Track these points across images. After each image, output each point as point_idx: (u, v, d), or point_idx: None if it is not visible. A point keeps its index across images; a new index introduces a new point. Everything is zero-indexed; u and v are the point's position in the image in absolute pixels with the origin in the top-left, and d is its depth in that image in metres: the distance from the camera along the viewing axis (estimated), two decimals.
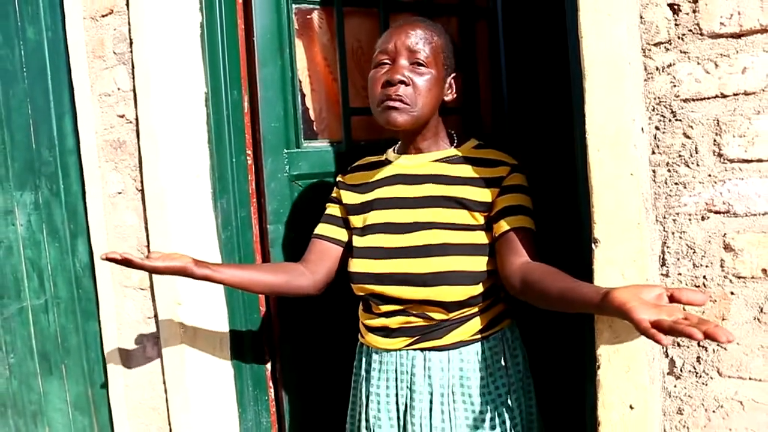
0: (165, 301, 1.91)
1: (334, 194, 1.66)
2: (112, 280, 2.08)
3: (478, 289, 1.41)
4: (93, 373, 2.30)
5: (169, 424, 1.97)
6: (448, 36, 1.51)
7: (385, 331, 1.48)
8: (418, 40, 1.42)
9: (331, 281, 1.64)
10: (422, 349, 1.44)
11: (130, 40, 1.86)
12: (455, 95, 1.52)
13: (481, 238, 1.42)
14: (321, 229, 1.64)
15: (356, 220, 1.57)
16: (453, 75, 1.51)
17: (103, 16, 1.96)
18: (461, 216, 1.42)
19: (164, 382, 1.97)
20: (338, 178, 1.67)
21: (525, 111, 2.43)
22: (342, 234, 1.61)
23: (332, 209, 1.64)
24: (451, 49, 1.50)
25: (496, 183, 1.43)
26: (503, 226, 1.39)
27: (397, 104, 1.41)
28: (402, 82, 1.41)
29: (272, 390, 2.03)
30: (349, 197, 1.59)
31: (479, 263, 1.41)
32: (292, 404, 2.00)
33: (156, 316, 1.95)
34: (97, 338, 2.23)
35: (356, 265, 1.49)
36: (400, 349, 1.46)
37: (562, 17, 1.32)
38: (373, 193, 1.55)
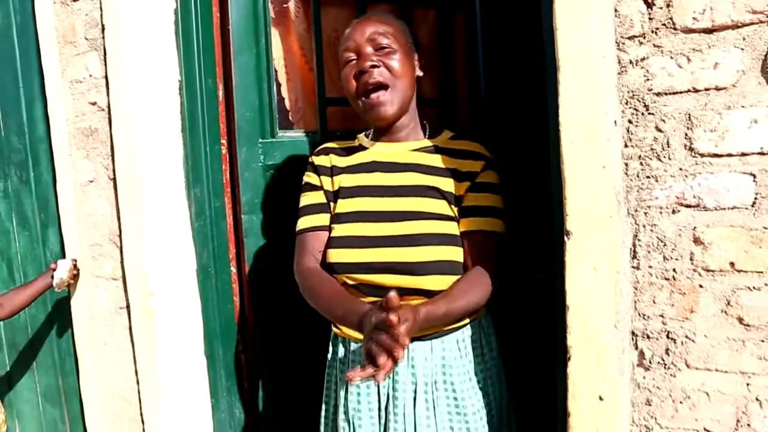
0: (137, 292, 1.89)
1: (311, 179, 1.59)
2: (83, 269, 2.05)
3: (457, 278, 1.41)
4: (64, 364, 2.27)
5: (141, 415, 1.95)
6: (403, 22, 1.54)
7: None
8: (376, 28, 1.45)
9: None
10: None
11: (102, 25, 1.83)
12: (424, 72, 1.54)
13: (457, 228, 1.44)
14: (319, 220, 1.56)
15: (333, 206, 1.55)
16: (415, 53, 1.53)
17: (74, 0, 1.92)
18: (441, 206, 1.43)
19: (136, 373, 1.95)
20: (314, 160, 1.60)
21: (501, 102, 2.42)
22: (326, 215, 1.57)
23: (317, 197, 1.57)
24: (409, 31, 1.53)
25: (469, 177, 1.44)
26: (468, 225, 1.42)
27: (380, 96, 1.42)
28: (373, 66, 1.42)
29: (246, 380, 2.02)
30: (327, 182, 1.57)
31: (458, 253, 1.43)
32: (266, 394, 1.99)
33: (128, 306, 1.93)
34: (68, 329, 2.20)
35: (340, 255, 1.46)
36: None
37: (540, 9, 1.32)
38: (350, 178, 1.53)
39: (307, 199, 1.57)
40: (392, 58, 1.44)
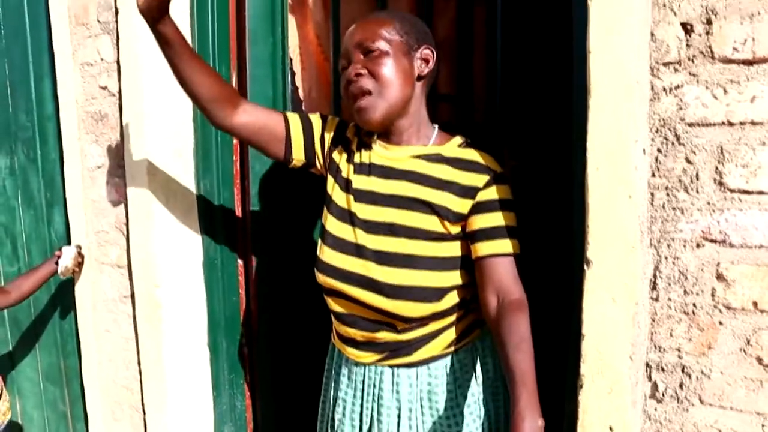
0: (142, 282, 1.87)
1: (325, 121, 1.54)
2: (88, 255, 2.03)
3: (443, 305, 1.35)
4: (66, 345, 2.26)
5: (143, 405, 1.94)
6: (406, 15, 1.44)
7: (353, 343, 1.43)
8: (367, 32, 1.36)
9: (238, 132, 1.51)
10: (391, 366, 1.41)
11: (116, 9, 1.78)
12: (432, 68, 1.41)
13: (450, 249, 1.35)
14: (294, 117, 1.52)
15: (330, 181, 1.48)
16: (423, 48, 1.39)
17: None
18: (431, 222, 1.34)
19: (139, 363, 1.94)
20: (341, 122, 1.55)
21: (518, 101, 2.37)
22: (298, 146, 1.51)
23: (316, 124, 1.52)
24: (411, 24, 1.40)
25: (471, 193, 1.33)
26: (480, 250, 1.32)
27: (363, 102, 1.35)
28: (358, 74, 1.35)
29: (248, 373, 2.01)
30: (328, 140, 1.51)
31: (446, 278, 1.34)
32: (267, 388, 1.98)
33: (133, 295, 1.91)
34: (71, 311, 2.19)
35: (327, 255, 1.42)
36: (368, 364, 1.43)
37: (564, 7, 1.27)
38: (351, 176, 1.46)
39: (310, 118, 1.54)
40: (379, 62, 1.34)
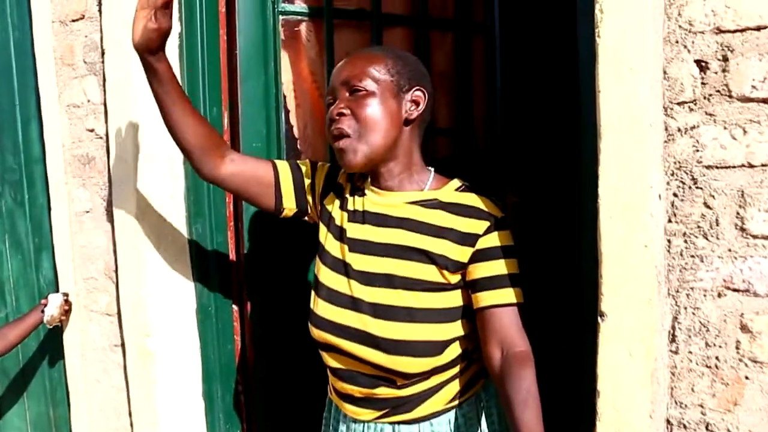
0: (133, 331, 1.79)
1: (315, 167, 1.49)
2: (77, 302, 1.95)
3: (444, 358, 1.27)
4: (55, 393, 2.18)
5: None
6: (402, 54, 1.36)
7: (351, 399, 1.35)
8: (355, 69, 1.29)
9: (227, 183, 1.45)
10: (392, 423, 1.33)
11: (102, 49, 1.72)
12: (421, 112, 1.33)
13: (450, 300, 1.27)
14: (282, 165, 1.46)
15: (323, 229, 1.41)
16: (414, 90, 1.31)
17: (73, 20, 1.81)
18: (430, 272, 1.26)
19: (130, 414, 1.86)
20: (333, 169, 1.49)
21: (520, 134, 2.32)
22: (289, 195, 1.45)
23: (306, 171, 1.47)
24: (404, 64, 1.33)
25: (472, 240, 1.25)
26: (482, 300, 1.25)
27: (341, 143, 1.28)
28: (340, 114, 1.28)
29: (244, 424, 1.92)
30: (320, 187, 1.45)
31: (447, 331, 1.27)
32: None
33: (123, 344, 1.83)
34: (60, 359, 2.10)
35: (321, 308, 1.34)
36: (368, 421, 1.35)
37: (563, 37, 1.21)
38: (345, 224, 1.38)
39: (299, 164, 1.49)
40: (364, 103, 1.26)
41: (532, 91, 2.28)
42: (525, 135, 2.30)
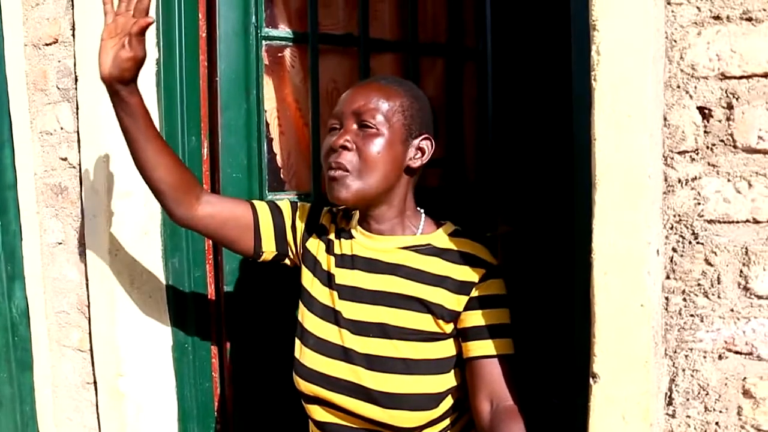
0: (105, 370, 1.71)
1: (296, 209, 1.42)
2: (48, 337, 1.87)
3: (439, 410, 1.21)
4: (27, 428, 2.09)
5: None
6: (418, 94, 1.29)
7: None
8: (370, 100, 1.22)
9: (202, 227, 1.37)
10: None
11: (75, 76, 1.65)
12: (425, 161, 1.27)
13: (445, 350, 1.22)
14: (261, 206, 1.39)
15: (307, 274, 1.34)
16: (422, 137, 1.26)
17: (46, 44, 1.73)
18: (425, 322, 1.21)
19: None
20: (314, 210, 1.43)
21: (512, 162, 2.25)
22: (269, 238, 1.38)
23: (286, 212, 1.40)
24: (419, 108, 1.27)
25: (467, 289, 1.21)
26: (472, 350, 1.19)
27: (336, 174, 1.21)
28: (344, 147, 1.20)
29: None
30: (313, 243, 1.37)
31: (443, 382, 1.21)
32: None
33: (95, 383, 1.75)
34: (32, 391, 2.02)
35: (309, 359, 1.27)
36: None
37: (556, 62, 1.14)
38: (332, 269, 1.31)
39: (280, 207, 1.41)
40: (371, 142, 1.20)
41: (524, 118, 2.22)
42: (517, 163, 2.24)
